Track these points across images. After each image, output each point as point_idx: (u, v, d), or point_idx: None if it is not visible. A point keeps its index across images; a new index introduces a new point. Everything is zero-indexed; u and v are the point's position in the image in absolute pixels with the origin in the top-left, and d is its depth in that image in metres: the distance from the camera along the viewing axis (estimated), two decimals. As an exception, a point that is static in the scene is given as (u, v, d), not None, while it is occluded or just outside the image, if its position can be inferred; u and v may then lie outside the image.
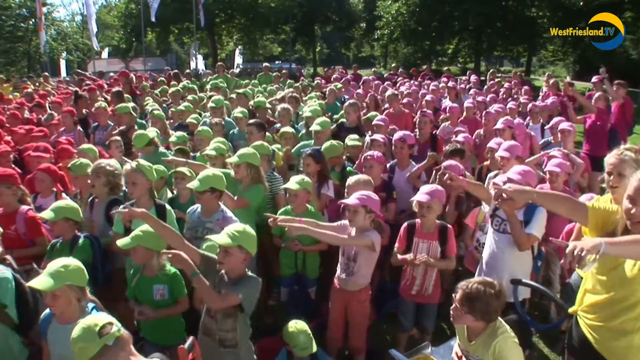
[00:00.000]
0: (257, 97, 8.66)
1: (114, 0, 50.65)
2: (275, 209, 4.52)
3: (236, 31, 33.57)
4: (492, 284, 2.55)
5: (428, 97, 8.93)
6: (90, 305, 2.73)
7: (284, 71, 16.08)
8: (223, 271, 2.93)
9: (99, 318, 2.14)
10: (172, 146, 5.64)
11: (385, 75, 17.87)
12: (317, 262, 4.29)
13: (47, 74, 16.87)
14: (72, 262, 2.66)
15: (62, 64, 29.37)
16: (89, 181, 4.20)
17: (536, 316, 4.55)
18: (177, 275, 3.38)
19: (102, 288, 3.50)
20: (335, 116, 7.73)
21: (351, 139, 5.52)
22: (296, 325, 3.20)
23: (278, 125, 6.64)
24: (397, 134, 5.27)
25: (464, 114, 7.71)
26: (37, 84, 14.27)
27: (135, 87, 11.50)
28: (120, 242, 3.25)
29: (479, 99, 9.19)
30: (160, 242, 3.19)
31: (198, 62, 28.39)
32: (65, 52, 34.41)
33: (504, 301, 2.59)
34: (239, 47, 34.13)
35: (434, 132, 6.60)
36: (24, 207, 4.04)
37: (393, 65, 26.22)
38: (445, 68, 20.58)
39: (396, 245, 3.85)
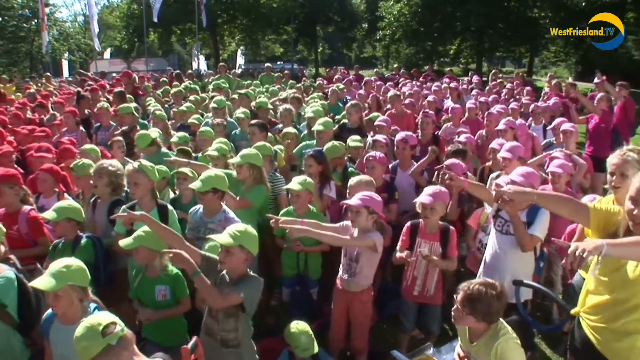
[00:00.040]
0: (259, 97, 8.63)
1: (117, 0, 50.91)
2: (277, 209, 4.52)
3: (238, 32, 33.62)
4: (494, 285, 2.54)
5: (430, 98, 8.92)
6: (92, 305, 2.72)
7: (286, 72, 16.10)
8: (224, 271, 2.93)
9: (102, 317, 2.14)
10: (174, 147, 5.64)
11: (387, 76, 17.84)
12: (319, 263, 4.29)
13: (49, 74, 16.86)
14: (74, 262, 2.66)
15: (65, 64, 29.39)
16: (91, 181, 4.21)
17: (538, 317, 4.55)
18: (179, 276, 3.38)
19: (104, 288, 3.50)
20: (337, 117, 7.71)
21: (353, 140, 5.51)
22: (298, 325, 3.19)
23: (280, 125, 6.63)
24: (399, 135, 5.26)
25: (466, 114, 7.70)
26: (39, 85, 14.23)
27: (138, 87, 11.50)
28: (123, 243, 3.25)
29: (481, 99, 9.17)
30: (162, 243, 3.19)
31: (200, 63, 28.34)
32: (67, 53, 34.51)
33: (505, 302, 2.58)
34: (241, 47, 34.22)
35: (436, 132, 6.59)
36: (27, 207, 4.04)
37: (395, 65, 26.18)
38: (448, 69, 20.58)
39: (399, 244, 3.85)
